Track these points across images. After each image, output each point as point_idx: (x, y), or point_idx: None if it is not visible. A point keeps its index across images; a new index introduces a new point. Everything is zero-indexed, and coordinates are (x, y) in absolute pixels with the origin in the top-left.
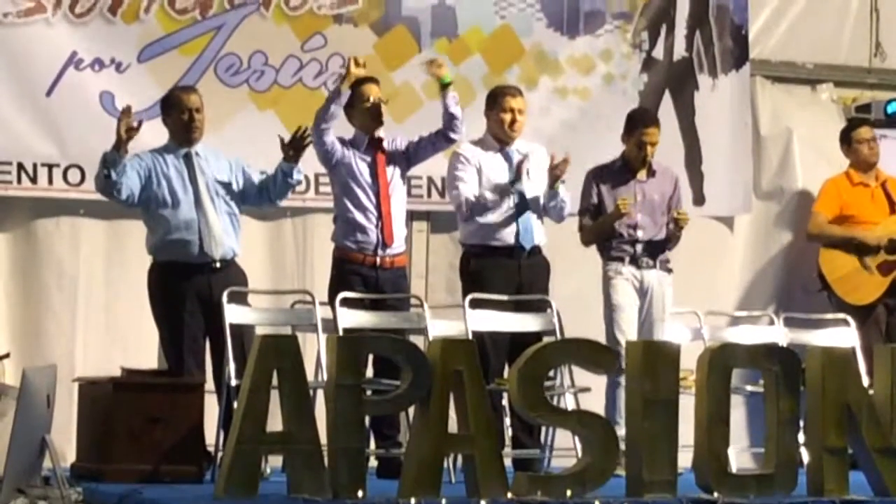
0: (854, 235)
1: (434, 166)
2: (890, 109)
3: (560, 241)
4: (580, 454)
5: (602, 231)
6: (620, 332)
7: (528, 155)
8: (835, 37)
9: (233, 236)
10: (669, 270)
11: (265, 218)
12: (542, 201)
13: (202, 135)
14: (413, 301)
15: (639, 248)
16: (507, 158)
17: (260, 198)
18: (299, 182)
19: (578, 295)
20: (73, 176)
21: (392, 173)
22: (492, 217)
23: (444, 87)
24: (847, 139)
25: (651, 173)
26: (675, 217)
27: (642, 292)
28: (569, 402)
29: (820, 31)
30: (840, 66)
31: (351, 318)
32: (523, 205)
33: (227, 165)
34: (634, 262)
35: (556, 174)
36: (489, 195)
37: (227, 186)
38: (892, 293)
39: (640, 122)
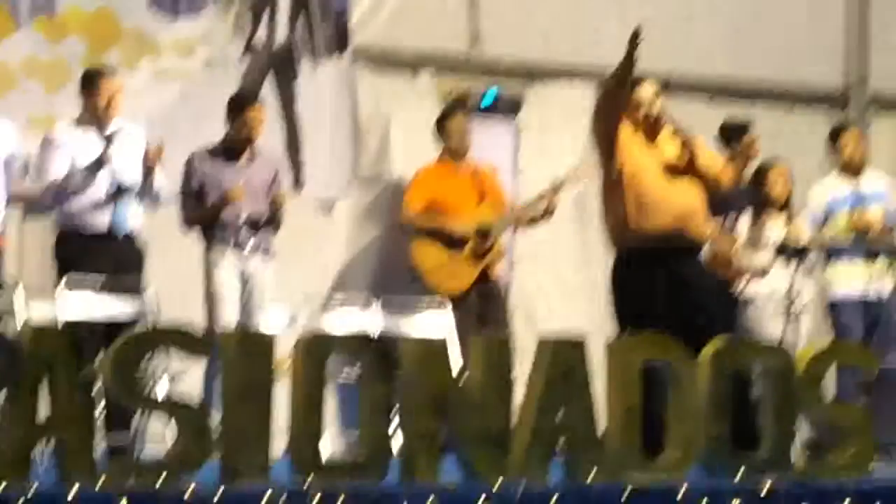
0: (443, 226)
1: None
2: (486, 98)
3: (159, 225)
4: (174, 441)
5: (207, 218)
6: (222, 321)
7: (115, 135)
8: (435, 25)
9: None
10: (271, 257)
11: None
12: (138, 186)
13: None
14: (8, 284)
15: (242, 233)
16: (104, 140)
17: None
18: None
19: (177, 280)
20: None
21: None
22: (85, 201)
23: None
24: (440, 127)
25: (253, 157)
26: (273, 199)
27: (245, 279)
28: (163, 389)
29: (420, 19)
30: (440, 54)
31: None
32: (117, 189)
33: None
34: (238, 248)
35: (149, 164)
36: (75, 178)
37: None
38: (483, 281)
39: (243, 104)
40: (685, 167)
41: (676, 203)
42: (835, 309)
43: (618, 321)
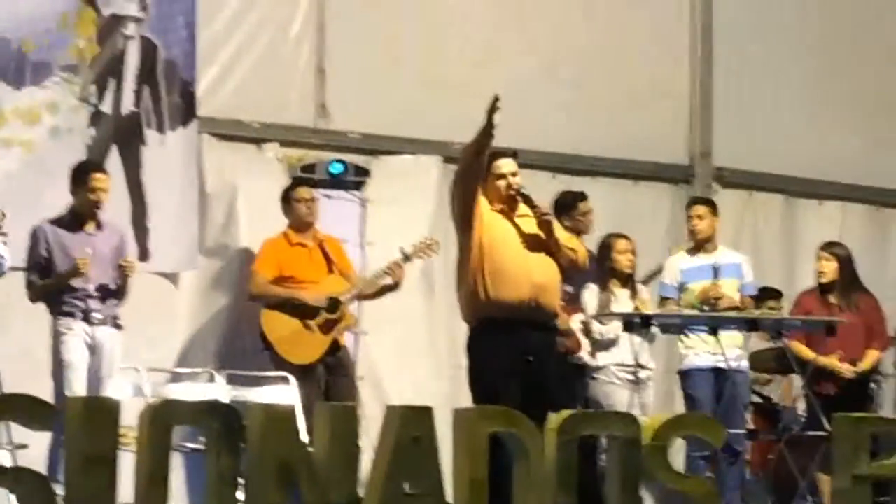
0: (294, 296)
1: None
2: (333, 170)
3: (3, 293)
4: None
5: (54, 290)
6: (70, 391)
7: None
8: (282, 97)
9: None
10: (119, 327)
11: None
12: None
13: None
14: None
15: (90, 302)
16: None
17: None
18: None
19: (22, 350)
20: None
21: None
22: None
23: None
24: (286, 198)
25: (100, 226)
26: (121, 265)
27: (93, 349)
28: (5, 459)
29: (267, 91)
30: (286, 125)
31: None
32: None
33: None
34: (86, 318)
35: None
36: None
37: None
38: (331, 352)
39: (87, 172)
40: (542, 241)
41: (533, 275)
42: (685, 379)
43: (472, 390)
